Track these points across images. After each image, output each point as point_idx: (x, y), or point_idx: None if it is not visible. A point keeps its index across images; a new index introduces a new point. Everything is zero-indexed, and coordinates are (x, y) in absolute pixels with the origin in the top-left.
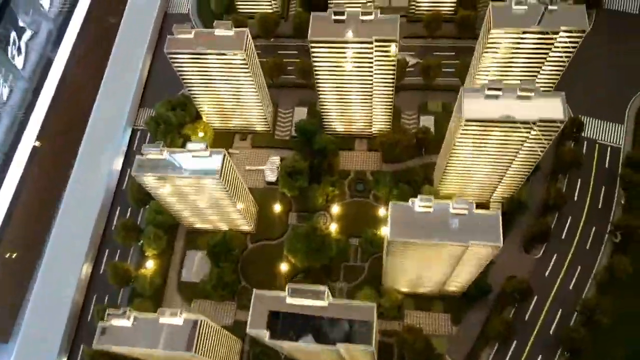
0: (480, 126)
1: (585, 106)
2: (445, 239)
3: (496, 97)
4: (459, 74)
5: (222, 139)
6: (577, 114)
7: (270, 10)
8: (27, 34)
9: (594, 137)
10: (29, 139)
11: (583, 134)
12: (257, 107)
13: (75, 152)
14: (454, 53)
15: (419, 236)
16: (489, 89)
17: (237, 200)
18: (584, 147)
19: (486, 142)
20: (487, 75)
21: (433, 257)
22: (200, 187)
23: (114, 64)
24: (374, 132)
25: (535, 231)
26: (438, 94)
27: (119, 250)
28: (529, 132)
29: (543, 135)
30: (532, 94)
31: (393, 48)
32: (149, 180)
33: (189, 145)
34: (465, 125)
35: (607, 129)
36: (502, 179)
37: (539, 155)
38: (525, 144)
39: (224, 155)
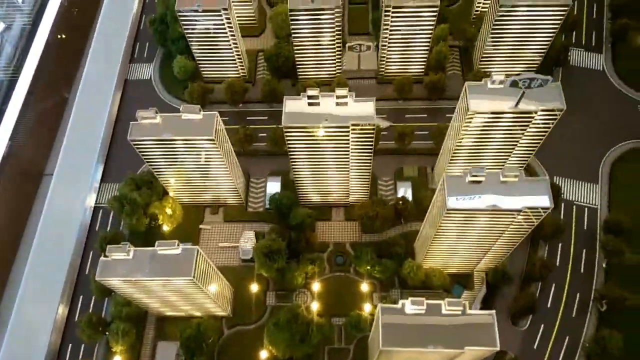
0: (464, 214)
1: (560, 167)
2: (440, 345)
3: (479, 182)
4: (433, 137)
5: (192, 214)
6: (552, 175)
7: (237, 76)
8: None
9: (571, 198)
10: None
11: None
12: (228, 182)
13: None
14: (425, 115)
15: (413, 343)
16: (472, 175)
17: (211, 290)
18: (562, 209)
19: (470, 226)
20: (465, 153)
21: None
22: (172, 286)
23: (70, 139)
24: (351, 201)
25: (521, 304)
26: (413, 158)
27: (82, 346)
28: (514, 218)
29: (527, 221)
30: (516, 179)
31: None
32: (115, 283)
33: (158, 243)
34: (448, 213)
35: (583, 189)
36: (486, 253)
37: (525, 233)
38: (511, 227)
39: (197, 252)
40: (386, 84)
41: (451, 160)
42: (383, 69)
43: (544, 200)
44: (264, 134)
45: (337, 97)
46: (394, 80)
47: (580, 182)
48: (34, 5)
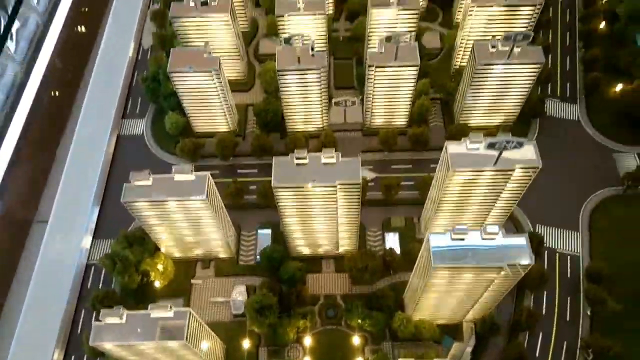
0: (449, 271)
1: (542, 215)
2: None
3: (462, 239)
4: (419, 187)
5: (184, 269)
6: (535, 223)
7: (227, 129)
8: None
9: (554, 246)
10: None
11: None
12: (219, 237)
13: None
14: (410, 166)
15: None
16: (455, 233)
17: (203, 349)
18: (545, 258)
19: (457, 281)
20: (449, 207)
21: None
22: (165, 349)
23: (63, 195)
24: (341, 252)
25: (510, 355)
26: (400, 209)
27: None
28: (499, 273)
29: (512, 275)
30: (497, 235)
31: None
32: (109, 347)
33: (151, 306)
34: (435, 271)
35: (565, 237)
36: (474, 305)
37: (510, 286)
38: (496, 281)
39: (189, 315)
40: (372, 136)
41: (437, 212)
42: (368, 122)
43: (524, 258)
44: (254, 187)
45: (325, 156)
46: (379, 132)
47: (562, 230)
48: (26, 54)
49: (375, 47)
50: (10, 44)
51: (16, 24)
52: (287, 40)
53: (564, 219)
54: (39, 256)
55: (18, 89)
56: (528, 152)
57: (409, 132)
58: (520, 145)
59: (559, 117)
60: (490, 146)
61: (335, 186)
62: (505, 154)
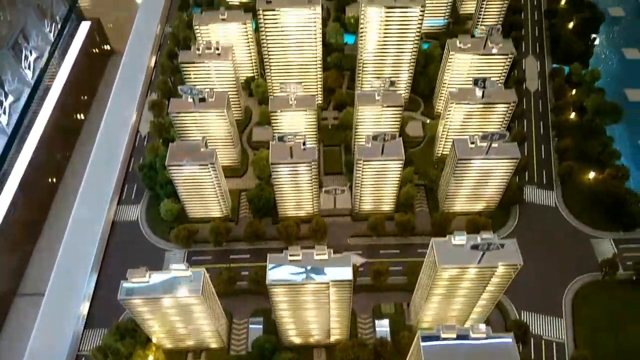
0: None
1: (527, 303)
2: None
3: (452, 337)
4: (407, 272)
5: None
6: (520, 310)
7: (221, 215)
8: None
9: (540, 333)
10: None
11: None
12: (211, 329)
13: None
14: (398, 251)
15: None
16: (443, 332)
17: None
18: (532, 345)
19: None
20: (437, 299)
21: None
22: None
23: (55, 282)
24: (332, 341)
25: None
26: (390, 295)
27: None
28: None
29: None
30: (484, 335)
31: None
32: None
33: None
34: None
35: (549, 324)
36: None
37: None
38: None
39: None
40: (361, 221)
41: (426, 302)
42: (357, 208)
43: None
44: (246, 272)
45: (317, 253)
46: (368, 217)
47: (546, 317)
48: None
49: (362, 138)
50: (3, 117)
51: (10, 98)
52: (281, 138)
53: (547, 306)
54: (28, 345)
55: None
56: (510, 249)
57: (396, 218)
58: (501, 246)
59: (538, 203)
60: (474, 247)
61: (328, 283)
62: (489, 253)
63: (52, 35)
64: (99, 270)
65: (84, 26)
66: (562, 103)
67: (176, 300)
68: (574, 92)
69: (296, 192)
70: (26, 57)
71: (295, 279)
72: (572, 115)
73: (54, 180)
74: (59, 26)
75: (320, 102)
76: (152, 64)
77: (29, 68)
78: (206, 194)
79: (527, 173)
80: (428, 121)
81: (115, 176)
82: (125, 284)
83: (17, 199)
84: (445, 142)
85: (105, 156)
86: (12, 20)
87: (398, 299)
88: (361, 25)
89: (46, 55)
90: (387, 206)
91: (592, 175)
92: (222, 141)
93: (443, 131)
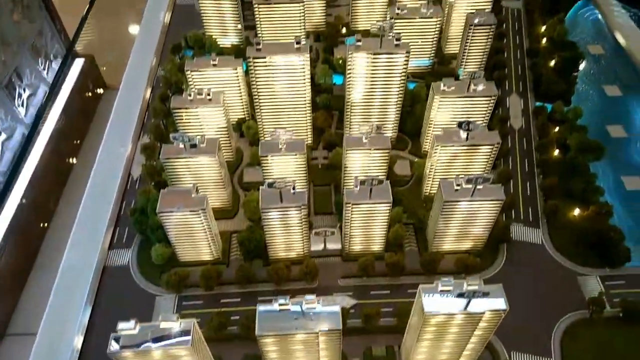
0: None
1: (516, 342)
2: None
3: None
4: (397, 314)
5: None
6: (510, 350)
7: (211, 258)
8: None
9: None
10: None
11: None
12: None
13: None
14: (388, 291)
15: None
16: None
17: None
18: None
19: None
20: (427, 342)
21: None
22: None
23: (45, 329)
24: None
25: None
26: (380, 337)
27: None
28: None
29: None
30: None
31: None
32: None
33: None
34: None
35: None
36: None
37: None
38: None
39: None
40: (351, 261)
41: (416, 346)
42: (347, 248)
43: None
44: (237, 317)
45: (306, 302)
46: (357, 258)
47: (536, 357)
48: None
49: (350, 181)
50: None
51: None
52: (271, 185)
53: (537, 345)
54: None
55: None
56: (496, 294)
57: (386, 259)
58: (486, 294)
59: (524, 241)
60: (460, 296)
61: (317, 333)
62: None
63: (45, 72)
64: (90, 317)
65: (78, 63)
66: (545, 141)
67: (166, 352)
68: (557, 129)
69: (286, 234)
70: (19, 95)
71: (284, 329)
72: (556, 152)
73: (45, 224)
74: (53, 64)
75: (309, 142)
76: (146, 105)
77: (22, 105)
78: (197, 239)
79: (513, 211)
80: (416, 160)
81: (107, 220)
82: (115, 337)
83: (5, 242)
84: (433, 181)
85: (97, 199)
86: (6, 60)
87: (389, 341)
88: (348, 71)
89: (39, 93)
90: (377, 246)
91: (577, 212)
92: (214, 184)
93: (430, 171)
